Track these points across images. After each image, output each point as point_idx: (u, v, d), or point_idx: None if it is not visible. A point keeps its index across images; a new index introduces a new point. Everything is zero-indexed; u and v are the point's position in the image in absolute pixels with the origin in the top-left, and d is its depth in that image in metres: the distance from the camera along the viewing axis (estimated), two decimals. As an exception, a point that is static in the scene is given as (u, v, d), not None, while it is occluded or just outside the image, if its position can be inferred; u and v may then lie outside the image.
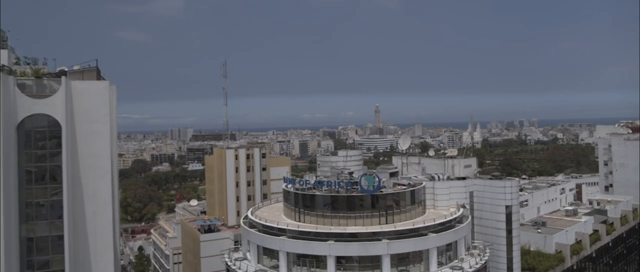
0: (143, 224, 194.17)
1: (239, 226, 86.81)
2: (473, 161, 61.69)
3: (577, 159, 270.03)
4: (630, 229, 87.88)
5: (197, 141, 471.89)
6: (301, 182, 52.16)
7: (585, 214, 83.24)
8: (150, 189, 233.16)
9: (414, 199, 51.52)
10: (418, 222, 47.76)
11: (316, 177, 53.54)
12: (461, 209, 53.06)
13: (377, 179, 49.03)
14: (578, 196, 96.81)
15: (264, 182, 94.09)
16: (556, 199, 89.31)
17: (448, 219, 49.58)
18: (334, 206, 49.05)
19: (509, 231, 56.30)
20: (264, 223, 49.93)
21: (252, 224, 52.22)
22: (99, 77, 45.09)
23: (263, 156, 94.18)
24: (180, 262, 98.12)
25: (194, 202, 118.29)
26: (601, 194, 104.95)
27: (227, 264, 52.09)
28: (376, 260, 44.91)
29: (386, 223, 48.58)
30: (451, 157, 61.42)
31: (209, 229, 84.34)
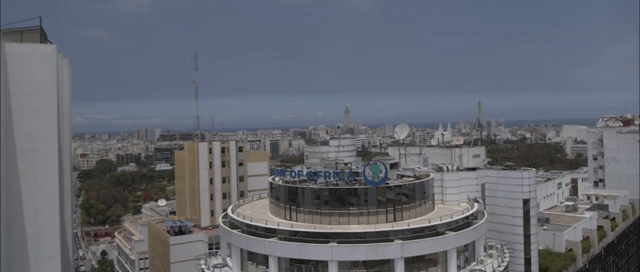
0: (107, 226, 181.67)
1: (213, 227, 78.07)
2: (482, 150, 54.99)
3: (550, 156, 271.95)
4: (631, 224, 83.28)
5: (165, 141, 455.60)
6: (293, 174, 44.15)
7: (587, 210, 77.91)
8: (115, 189, 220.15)
9: (423, 192, 44.22)
10: (433, 219, 40.33)
11: (307, 168, 45.58)
12: (475, 204, 46.02)
13: (384, 169, 41.47)
14: (574, 191, 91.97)
15: (241, 179, 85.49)
16: (554, 194, 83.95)
17: (465, 214, 42.44)
18: (332, 202, 41.23)
19: (527, 228, 49.63)
20: (249, 222, 41.73)
21: (233, 224, 43.92)
22: (44, 39, 35.95)
23: (240, 149, 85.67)
24: (147, 268, 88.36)
25: (162, 202, 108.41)
26: (595, 189, 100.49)
27: (203, 271, 43.59)
28: (386, 264, 37.37)
29: (394, 220, 41.11)
30: (457, 146, 54.42)
31: (180, 231, 75.23)
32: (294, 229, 39.24)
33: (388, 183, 42.15)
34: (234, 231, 42.41)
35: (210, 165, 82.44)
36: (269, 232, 39.89)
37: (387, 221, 41.05)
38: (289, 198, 43.18)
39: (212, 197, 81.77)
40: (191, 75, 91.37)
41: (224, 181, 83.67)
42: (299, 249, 37.45)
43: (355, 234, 38.14)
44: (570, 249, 63.04)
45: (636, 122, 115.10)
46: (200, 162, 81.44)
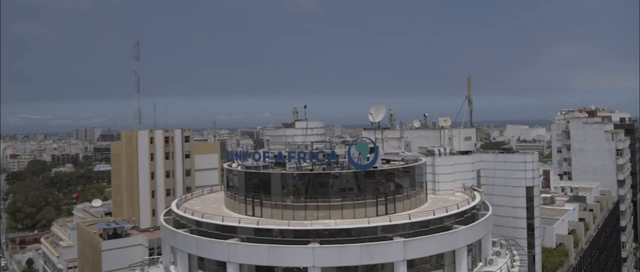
0: (36, 232, 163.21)
1: (154, 229, 66.73)
2: (472, 133, 47.41)
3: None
4: (608, 216, 79.39)
5: (106, 141, 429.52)
6: (257, 157, 34.63)
7: (567, 202, 72.76)
8: (47, 191, 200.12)
9: (418, 179, 35.88)
10: (438, 211, 31.96)
11: (272, 153, 36.23)
12: (477, 194, 38.21)
13: (374, 148, 32.82)
14: (546, 183, 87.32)
15: (188, 173, 74.62)
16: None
17: (472, 204, 34.44)
18: (309, 191, 32.08)
19: (531, 221, 42.48)
20: (200, 219, 31.85)
21: (179, 223, 33.91)
22: None
23: (186, 139, 74.77)
24: (76, 279, 75.58)
25: (97, 202, 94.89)
26: (564, 182, 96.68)
27: (140, 283, 33.31)
28: (383, 269, 28.63)
29: (386, 213, 32.46)
30: (445, 128, 46.67)
31: (115, 234, 63.53)
32: (261, 226, 29.72)
33: (376, 167, 33.45)
34: (180, 231, 32.39)
35: (152, 157, 71.05)
36: (227, 232, 30.29)
37: (377, 214, 32.37)
38: (252, 188, 33.61)
39: (153, 195, 70.40)
40: (133, 67, 79.46)
41: (167, 175, 72.48)
42: (268, 253, 27.99)
43: (343, 232, 29.12)
44: (561, 244, 56.96)
45: (599, 114, 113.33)
46: (140, 153, 69.92)
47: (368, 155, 32.77)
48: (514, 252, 37.70)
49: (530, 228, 42.43)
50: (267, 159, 34.48)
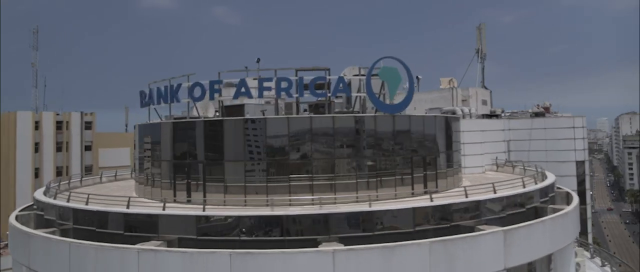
0: None
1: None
2: (487, 95, 35.13)
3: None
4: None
5: None
6: (197, 94, 19.51)
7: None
8: None
9: (451, 144, 22.31)
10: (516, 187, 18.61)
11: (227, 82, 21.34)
12: (547, 173, 25.13)
13: (409, 77, 19.16)
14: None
15: (88, 170, 56.26)
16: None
17: (547, 183, 21.27)
18: (310, 151, 17.57)
19: (584, 207, 30.60)
20: (100, 209, 16.21)
21: (49, 221, 17.88)
22: None
23: (87, 126, 56.61)
24: None
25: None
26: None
27: None
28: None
29: (425, 194, 18.51)
30: (454, 87, 34.11)
31: (-27, 255, 43.90)
32: (222, 213, 14.66)
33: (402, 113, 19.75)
34: (51, 235, 16.37)
35: (36, 148, 52.21)
36: (146, 231, 14.86)
37: (413, 195, 18.45)
38: (189, 153, 18.41)
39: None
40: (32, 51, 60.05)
41: (59, 173, 53.79)
42: (246, 262, 12.90)
43: (384, 218, 14.74)
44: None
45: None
46: (19, 143, 50.94)
47: (401, 86, 19.07)
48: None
49: (583, 214, 30.47)
50: (215, 96, 19.45)
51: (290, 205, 16.60)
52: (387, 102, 19.08)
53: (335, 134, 18.01)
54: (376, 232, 14.24)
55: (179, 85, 19.72)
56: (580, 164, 30.88)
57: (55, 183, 23.70)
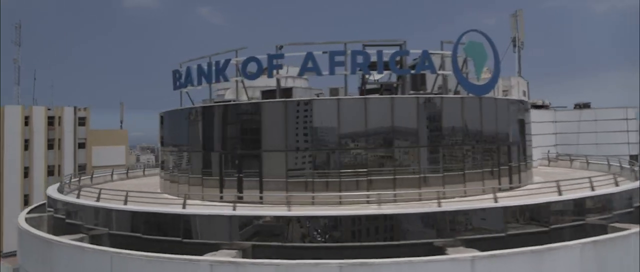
0: None
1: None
2: (526, 85, 32.79)
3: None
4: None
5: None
6: (255, 65, 16.73)
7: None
8: None
9: (524, 134, 19.77)
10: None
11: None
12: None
13: (495, 54, 16.60)
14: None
15: (82, 170, 52.46)
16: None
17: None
18: (392, 138, 14.83)
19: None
20: (145, 209, 13.05)
21: (96, 216, 14.77)
22: None
23: (81, 122, 52.87)
24: None
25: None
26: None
27: None
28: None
29: (500, 191, 16.02)
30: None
31: (-42, 263, 40.11)
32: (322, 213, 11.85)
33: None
34: (76, 242, 13.22)
35: (26, 146, 48.29)
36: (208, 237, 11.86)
37: (482, 192, 15.90)
38: (248, 142, 15.68)
39: (26, 201, 47.45)
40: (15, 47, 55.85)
41: (50, 173, 49.95)
42: None
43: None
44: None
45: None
46: (7, 140, 47.01)
47: (485, 63, 16.53)
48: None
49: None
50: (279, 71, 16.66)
51: (367, 203, 13.86)
52: (473, 82, 16.51)
53: (408, 118, 15.34)
54: (509, 233, 11.59)
55: (227, 61, 16.71)
56: (633, 158, 28.70)
57: (68, 180, 20.51)
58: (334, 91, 19.78)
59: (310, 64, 15.58)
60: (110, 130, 59.71)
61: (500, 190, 16.11)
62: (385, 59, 15.82)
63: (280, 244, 11.55)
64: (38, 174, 48.90)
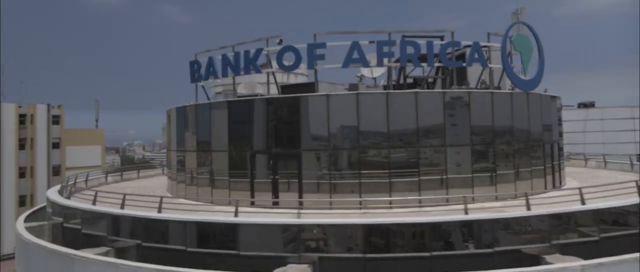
0: None
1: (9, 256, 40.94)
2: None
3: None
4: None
5: None
6: (292, 55, 15.32)
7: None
8: None
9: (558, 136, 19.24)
10: None
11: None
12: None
13: (536, 47, 15.91)
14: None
15: (56, 172, 49.73)
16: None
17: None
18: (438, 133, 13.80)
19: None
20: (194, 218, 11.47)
21: (128, 226, 13.11)
22: None
23: (55, 120, 49.95)
24: None
25: None
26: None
27: None
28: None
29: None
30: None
31: None
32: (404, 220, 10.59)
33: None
34: (91, 255, 11.57)
35: (-4, 145, 45.12)
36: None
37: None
38: (285, 141, 14.34)
39: (-2, 205, 44.39)
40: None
41: (22, 175, 46.86)
42: None
43: None
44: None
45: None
46: (-27, 139, 43.72)
47: (533, 55, 15.86)
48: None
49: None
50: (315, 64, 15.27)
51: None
52: (522, 76, 15.69)
53: (457, 115, 14.39)
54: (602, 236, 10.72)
55: (259, 50, 15.25)
56: (641, 156, 28.70)
57: (66, 183, 18.56)
58: (353, 86, 18.65)
59: (356, 55, 14.27)
60: (86, 130, 56.75)
61: (544, 191, 15.47)
62: (436, 50, 14.81)
63: (352, 255, 10.29)
64: (8, 177, 45.71)
